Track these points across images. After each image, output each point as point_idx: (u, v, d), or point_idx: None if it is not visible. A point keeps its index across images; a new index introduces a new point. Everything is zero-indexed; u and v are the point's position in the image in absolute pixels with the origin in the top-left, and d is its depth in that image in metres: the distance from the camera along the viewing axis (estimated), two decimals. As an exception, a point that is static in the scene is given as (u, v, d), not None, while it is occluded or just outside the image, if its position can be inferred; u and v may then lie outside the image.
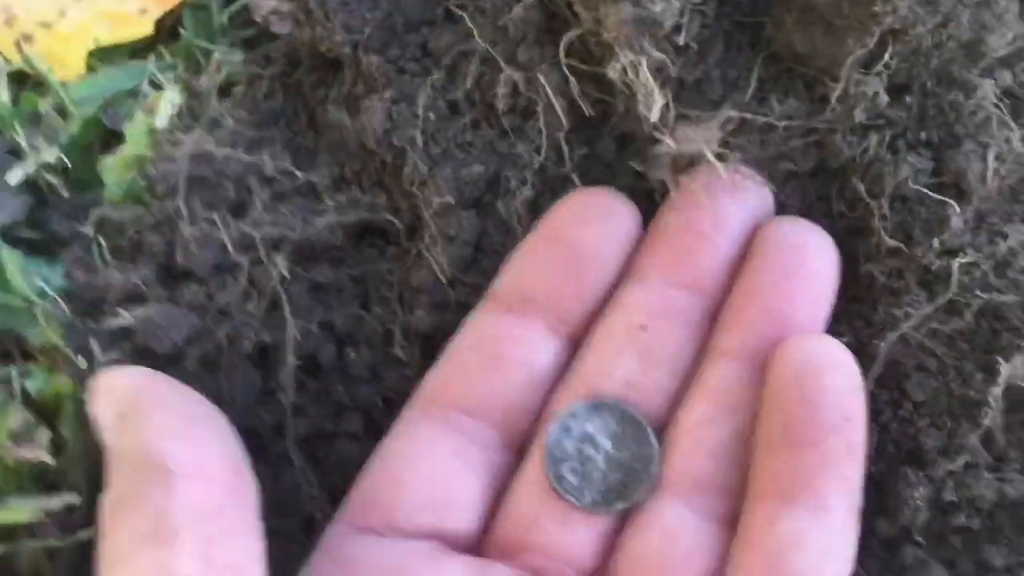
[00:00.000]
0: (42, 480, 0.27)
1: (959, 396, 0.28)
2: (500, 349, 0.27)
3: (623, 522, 0.26)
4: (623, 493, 0.25)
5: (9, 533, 0.27)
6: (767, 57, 0.29)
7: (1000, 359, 0.27)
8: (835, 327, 0.28)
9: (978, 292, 0.28)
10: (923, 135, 0.29)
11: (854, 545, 0.25)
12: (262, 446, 0.29)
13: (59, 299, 0.29)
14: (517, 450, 0.27)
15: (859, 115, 0.28)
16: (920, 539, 0.27)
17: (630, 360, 0.26)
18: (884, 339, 0.28)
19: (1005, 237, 0.28)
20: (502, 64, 0.28)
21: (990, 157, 0.29)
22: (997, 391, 0.27)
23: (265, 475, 0.23)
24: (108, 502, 0.21)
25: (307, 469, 0.29)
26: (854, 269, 0.29)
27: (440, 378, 0.27)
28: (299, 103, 0.33)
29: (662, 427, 0.26)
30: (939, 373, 0.28)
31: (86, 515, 0.27)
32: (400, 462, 0.26)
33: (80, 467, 0.27)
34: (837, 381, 0.25)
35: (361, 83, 0.31)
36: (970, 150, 0.29)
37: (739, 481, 0.26)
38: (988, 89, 0.29)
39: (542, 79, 0.28)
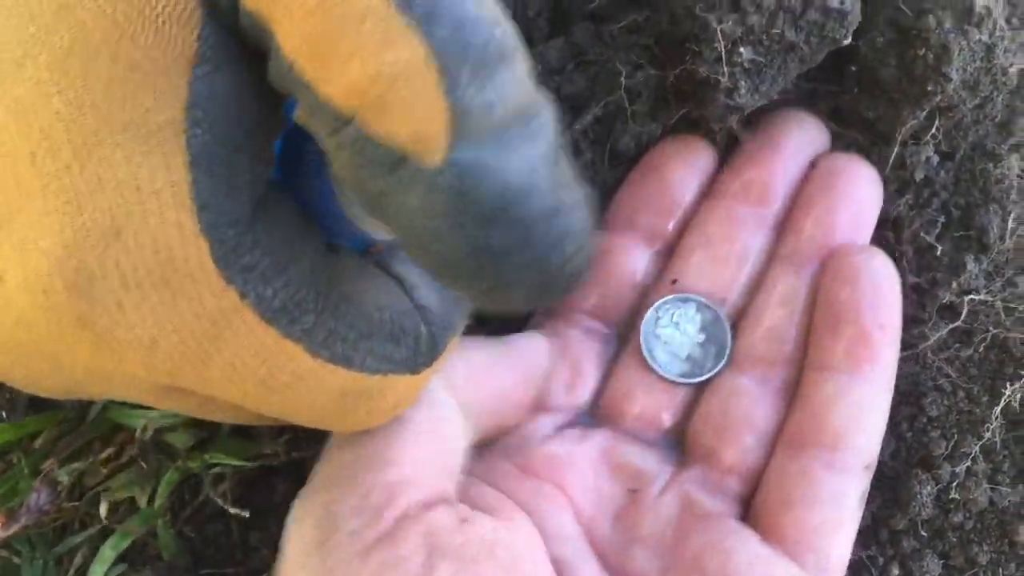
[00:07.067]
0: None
1: (966, 412, 0.31)
2: (610, 262, 0.31)
3: (699, 392, 0.30)
4: (702, 368, 0.30)
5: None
6: (836, 123, 0.32)
7: (1003, 384, 0.30)
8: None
9: (990, 327, 0.31)
10: (956, 196, 0.32)
11: (886, 409, 0.28)
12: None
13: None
14: (622, 338, 0.31)
15: (919, 175, 0.31)
16: (923, 532, 0.30)
17: (706, 262, 0.31)
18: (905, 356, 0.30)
19: (1016, 285, 0.31)
20: (628, 115, 0.31)
21: (1010, 218, 0.32)
22: (998, 411, 0.30)
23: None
24: None
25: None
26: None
27: None
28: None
29: (735, 315, 0.31)
30: (951, 393, 0.31)
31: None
32: (536, 352, 0.30)
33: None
34: (877, 273, 0.29)
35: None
36: (993, 211, 0.32)
37: (794, 357, 0.29)
38: (1014, 162, 0.32)
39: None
